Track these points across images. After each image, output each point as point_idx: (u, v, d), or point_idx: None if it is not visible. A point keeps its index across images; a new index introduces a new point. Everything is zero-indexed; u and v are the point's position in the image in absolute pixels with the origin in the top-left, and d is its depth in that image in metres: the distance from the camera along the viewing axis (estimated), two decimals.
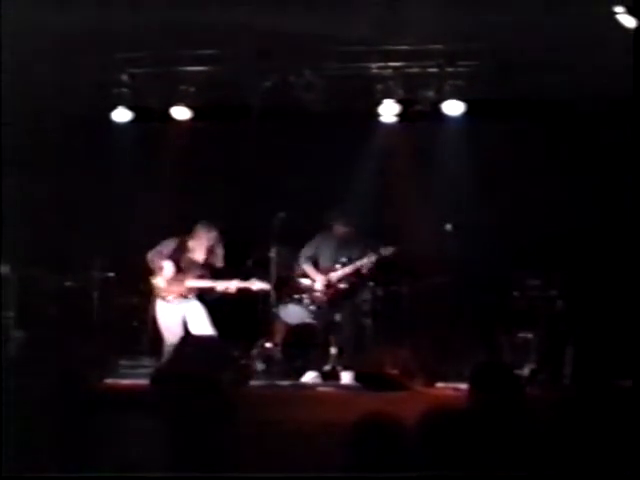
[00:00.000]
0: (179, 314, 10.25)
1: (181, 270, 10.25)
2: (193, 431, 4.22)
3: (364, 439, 3.78)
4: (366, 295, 11.20)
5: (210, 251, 10.28)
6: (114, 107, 11.53)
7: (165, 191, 11.67)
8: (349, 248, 10.78)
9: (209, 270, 10.31)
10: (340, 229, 10.79)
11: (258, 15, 9.44)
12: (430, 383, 10.10)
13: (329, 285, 10.78)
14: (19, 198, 11.09)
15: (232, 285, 10.25)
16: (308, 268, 10.91)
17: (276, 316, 11.09)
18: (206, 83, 11.35)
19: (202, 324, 10.21)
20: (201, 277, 10.30)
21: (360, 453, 3.74)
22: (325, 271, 10.83)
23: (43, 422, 4.12)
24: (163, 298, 10.29)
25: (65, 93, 10.94)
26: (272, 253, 10.85)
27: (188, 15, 9.50)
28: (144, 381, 9.28)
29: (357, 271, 10.75)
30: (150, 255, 10.26)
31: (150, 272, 10.30)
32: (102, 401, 4.61)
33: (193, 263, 10.29)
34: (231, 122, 11.81)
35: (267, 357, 10.99)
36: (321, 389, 10.19)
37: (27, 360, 5.74)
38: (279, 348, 10.87)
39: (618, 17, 8.61)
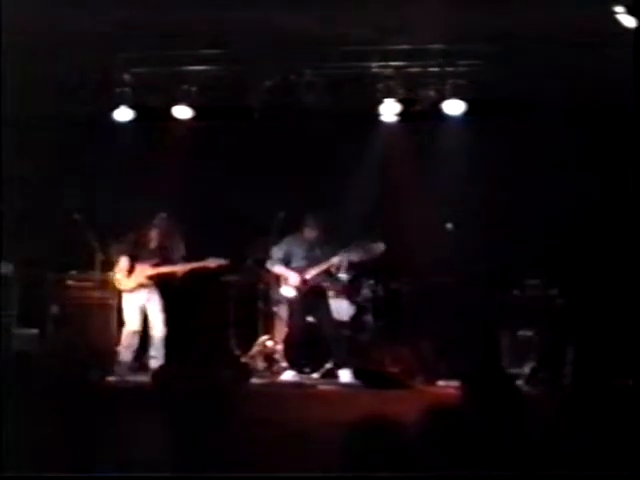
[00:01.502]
0: (138, 304, 10.91)
1: (137, 261, 10.89)
2: (192, 430, 4.24)
3: (362, 438, 3.79)
4: (366, 293, 11.23)
5: (167, 241, 10.92)
6: (116, 106, 11.54)
7: (166, 190, 11.67)
8: (320, 248, 10.75)
9: (168, 259, 10.92)
10: (310, 231, 10.74)
11: (259, 15, 9.45)
12: (431, 381, 10.13)
13: (304, 283, 10.75)
14: (21, 198, 11.18)
15: (187, 267, 10.85)
16: (279, 269, 10.86)
17: (276, 314, 11.14)
18: (208, 83, 11.37)
19: (157, 313, 10.89)
20: (157, 265, 10.89)
21: (358, 452, 3.76)
22: (298, 271, 10.78)
23: (43, 422, 4.14)
24: (124, 290, 10.93)
25: (67, 92, 10.95)
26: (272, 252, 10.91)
27: (190, 15, 9.52)
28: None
29: (328, 270, 10.78)
30: (111, 250, 10.97)
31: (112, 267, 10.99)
32: (103, 399, 4.64)
33: (150, 253, 10.92)
34: (232, 121, 11.83)
35: (267, 355, 11.03)
36: (322, 387, 10.22)
37: (27, 358, 5.75)
38: (280, 346, 10.89)
39: (619, 17, 8.61)
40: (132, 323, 10.85)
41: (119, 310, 11.05)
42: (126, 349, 10.77)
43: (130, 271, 10.89)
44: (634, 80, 7.47)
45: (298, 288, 10.74)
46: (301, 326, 10.79)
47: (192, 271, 10.88)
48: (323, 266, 10.72)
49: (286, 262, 10.82)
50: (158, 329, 10.88)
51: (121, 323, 10.98)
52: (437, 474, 3.75)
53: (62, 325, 11.02)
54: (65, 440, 4.07)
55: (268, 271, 11.01)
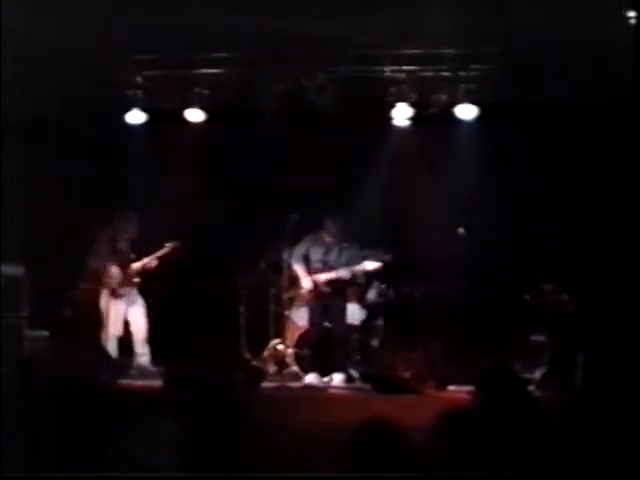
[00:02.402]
0: (122, 308, 10.99)
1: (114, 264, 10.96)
2: (203, 432, 4.24)
3: (369, 442, 3.79)
4: (377, 297, 11.23)
5: (131, 239, 10.99)
6: (128, 109, 11.56)
7: (178, 192, 11.69)
8: (335, 254, 10.78)
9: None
10: (331, 232, 10.76)
11: (272, 18, 9.45)
12: (442, 386, 10.10)
13: (316, 287, 10.78)
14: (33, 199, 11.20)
15: (151, 258, 11.04)
16: (299, 268, 10.88)
17: (287, 317, 11.15)
18: (220, 86, 11.38)
19: (141, 314, 11.00)
20: (127, 265, 11.00)
21: (367, 456, 3.75)
22: (313, 272, 10.82)
23: (44, 422, 4.15)
24: (110, 294, 10.98)
25: (79, 95, 10.96)
26: (285, 255, 10.91)
27: (202, 18, 9.53)
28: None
29: (338, 279, 10.78)
30: (90, 261, 10.94)
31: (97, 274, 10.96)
32: (108, 402, 4.64)
33: (121, 255, 11.00)
34: (245, 124, 11.83)
35: (278, 359, 11.03)
36: (332, 391, 10.21)
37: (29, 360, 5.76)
38: (291, 350, 10.90)
39: (626, 19, 8.61)
40: (117, 328, 10.91)
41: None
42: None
43: (113, 275, 10.96)
44: (634, 80, 7.46)
45: (309, 290, 10.79)
46: (317, 329, 10.80)
47: (160, 259, 11.06)
48: (331, 275, 10.75)
49: (305, 261, 10.87)
50: (143, 329, 10.98)
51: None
52: (441, 474, 3.75)
53: (74, 328, 11.02)
54: (75, 441, 4.07)
55: (281, 274, 11.02)
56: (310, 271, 10.81)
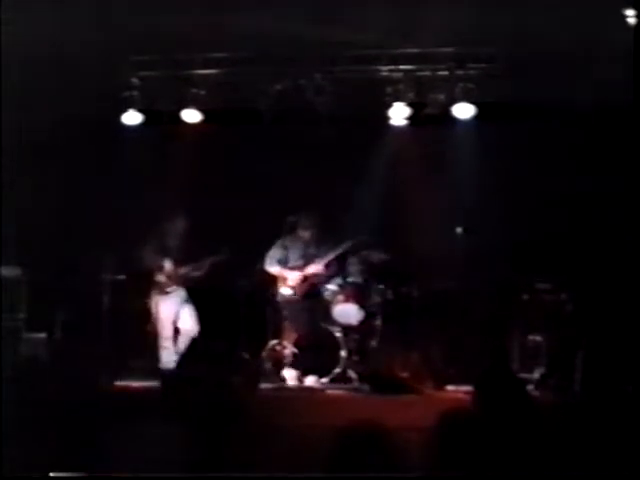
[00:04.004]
0: (174, 306, 10.95)
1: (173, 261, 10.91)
2: (201, 432, 4.22)
3: (365, 443, 3.78)
4: (375, 297, 11.22)
5: (178, 240, 10.93)
6: (124, 110, 11.53)
7: (175, 193, 11.67)
8: (316, 246, 10.93)
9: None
10: (306, 227, 10.85)
11: (268, 19, 9.44)
12: (440, 386, 10.09)
13: (304, 280, 10.81)
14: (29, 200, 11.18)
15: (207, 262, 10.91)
16: (275, 269, 10.93)
17: (285, 318, 11.14)
18: (217, 86, 11.37)
19: (192, 312, 10.95)
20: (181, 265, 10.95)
21: (363, 457, 3.74)
22: (298, 269, 10.88)
23: (44, 422, 4.14)
24: (166, 292, 10.93)
25: (76, 96, 10.95)
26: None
27: (199, 18, 9.52)
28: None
29: (327, 267, 10.87)
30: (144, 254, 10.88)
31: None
32: (107, 403, 4.63)
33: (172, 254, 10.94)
34: (242, 125, 11.82)
35: (276, 360, 11.01)
36: (330, 392, 10.21)
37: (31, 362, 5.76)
38: (288, 351, 10.89)
39: (626, 18, 8.60)
40: (169, 326, 10.87)
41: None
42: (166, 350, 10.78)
43: (170, 272, 10.93)
44: (634, 80, 7.45)
45: (297, 287, 10.79)
46: (304, 329, 10.78)
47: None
48: (323, 262, 10.82)
49: (284, 262, 10.90)
50: (193, 328, 10.96)
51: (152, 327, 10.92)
52: (440, 475, 3.74)
53: (71, 330, 10.99)
54: (72, 443, 4.07)
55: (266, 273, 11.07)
56: (289, 269, 10.90)
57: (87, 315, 11.14)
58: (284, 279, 10.96)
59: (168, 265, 10.93)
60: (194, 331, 10.98)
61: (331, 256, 10.89)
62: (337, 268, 11.00)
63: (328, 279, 10.98)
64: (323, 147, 11.59)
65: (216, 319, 11.30)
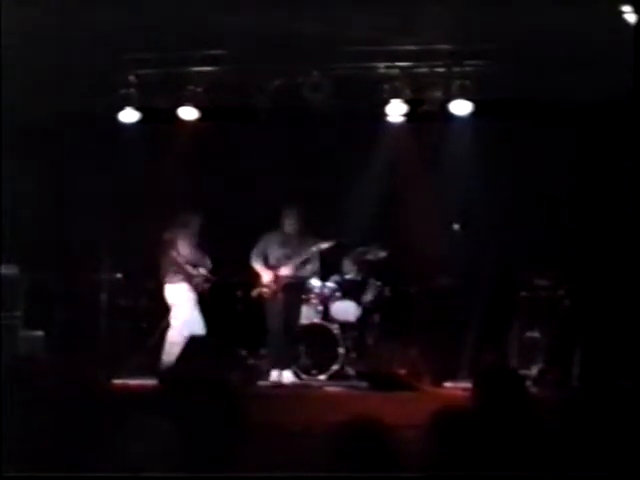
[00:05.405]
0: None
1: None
2: (199, 431, 4.22)
3: (363, 440, 3.77)
4: (373, 294, 11.22)
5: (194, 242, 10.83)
6: (122, 108, 11.52)
7: (172, 191, 11.67)
8: (293, 244, 10.79)
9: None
10: (289, 222, 10.75)
11: (265, 16, 9.44)
12: (438, 382, 10.10)
13: (277, 279, 10.72)
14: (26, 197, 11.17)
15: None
16: (257, 265, 10.84)
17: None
18: (213, 83, 11.36)
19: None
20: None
21: (361, 454, 3.74)
22: (273, 268, 10.77)
23: (44, 422, 4.13)
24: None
25: (73, 93, 10.94)
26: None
27: (195, 16, 9.51)
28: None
29: (303, 265, 10.80)
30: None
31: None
32: (107, 401, 4.62)
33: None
34: (238, 122, 11.80)
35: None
36: (329, 389, 10.22)
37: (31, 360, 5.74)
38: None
39: (624, 16, 8.60)
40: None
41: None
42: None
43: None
44: (634, 80, 7.45)
45: (269, 286, 10.72)
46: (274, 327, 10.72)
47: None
48: (293, 264, 10.73)
49: (263, 259, 10.83)
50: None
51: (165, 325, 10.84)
52: (439, 474, 3.73)
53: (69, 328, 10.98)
54: (69, 442, 4.06)
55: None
56: (269, 267, 10.79)
57: (84, 313, 11.15)
58: (261, 277, 10.86)
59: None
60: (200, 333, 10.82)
61: (302, 258, 10.79)
62: (311, 270, 10.93)
63: (299, 280, 10.90)
64: (319, 144, 11.59)
65: (216, 319, 11.27)
